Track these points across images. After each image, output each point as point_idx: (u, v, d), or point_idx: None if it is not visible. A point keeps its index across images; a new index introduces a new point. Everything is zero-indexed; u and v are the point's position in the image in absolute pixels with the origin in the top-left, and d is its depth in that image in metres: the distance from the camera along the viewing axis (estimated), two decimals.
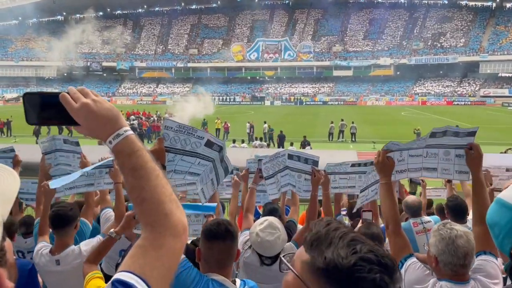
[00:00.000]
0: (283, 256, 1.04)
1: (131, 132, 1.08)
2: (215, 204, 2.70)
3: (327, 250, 0.91)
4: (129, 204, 2.92)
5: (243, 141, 23.85)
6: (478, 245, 2.06)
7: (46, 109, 1.08)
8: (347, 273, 0.87)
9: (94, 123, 1.06)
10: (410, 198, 4.44)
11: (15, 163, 3.93)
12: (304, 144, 21.76)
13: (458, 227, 2.06)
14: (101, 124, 1.06)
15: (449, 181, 5.27)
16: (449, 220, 4.05)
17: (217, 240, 2.14)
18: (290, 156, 3.61)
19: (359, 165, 3.96)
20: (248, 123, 27.13)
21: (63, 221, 2.91)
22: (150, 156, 1.08)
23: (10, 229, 3.34)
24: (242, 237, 3.06)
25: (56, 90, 1.04)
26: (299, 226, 4.04)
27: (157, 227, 1.01)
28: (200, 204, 2.94)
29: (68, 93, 1.06)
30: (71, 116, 1.06)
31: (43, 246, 3.03)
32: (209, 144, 2.62)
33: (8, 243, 0.92)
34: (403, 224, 4.21)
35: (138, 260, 0.97)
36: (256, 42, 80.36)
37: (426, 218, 4.31)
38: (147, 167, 1.04)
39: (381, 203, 2.47)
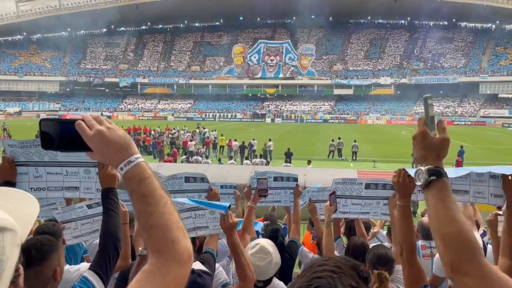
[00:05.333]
0: None
1: (142, 159, 1.12)
2: (227, 204, 2.65)
3: (297, 281, 0.94)
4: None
5: (246, 158, 23.88)
6: None
7: (61, 136, 1.12)
8: None
9: (107, 150, 1.10)
10: (425, 220, 4.41)
11: None
12: (289, 157, 21.95)
13: None
14: (113, 150, 1.10)
15: None
16: None
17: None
18: (367, 186, 3.46)
19: (376, 186, 3.45)
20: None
21: (47, 233, 2.76)
22: (159, 183, 1.11)
23: None
24: None
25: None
26: (303, 249, 3.95)
27: (164, 254, 1.04)
28: (212, 202, 2.84)
29: (83, 120, 1.11)
30: (86, 142, 1.10)
31: None
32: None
33: (21, 268, 0.96)
34: None
35: (145, 285, 1.00)
36: (257, 44, 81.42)
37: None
38: (155, 194, 1.08)
39: (396, 227, 2.28)
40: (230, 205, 2.60)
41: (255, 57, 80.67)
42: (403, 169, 2.11)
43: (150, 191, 1.07)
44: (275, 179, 3.97)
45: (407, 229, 2.04)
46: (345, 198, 3.49)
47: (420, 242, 4.20)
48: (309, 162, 18.98)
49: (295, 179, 4.04)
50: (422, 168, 1.31)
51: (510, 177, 2.11)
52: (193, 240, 3.10)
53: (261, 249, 2.73)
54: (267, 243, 2.82)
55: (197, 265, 2.29)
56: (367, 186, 3.41)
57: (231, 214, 2.38)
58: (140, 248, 2.57)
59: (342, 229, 4.89)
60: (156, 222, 1.05)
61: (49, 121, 1.13)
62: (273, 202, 4.27)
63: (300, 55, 78.61)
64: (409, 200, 2.08)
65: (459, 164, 19.97)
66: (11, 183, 2.20)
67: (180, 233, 1.07)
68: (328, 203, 3.47)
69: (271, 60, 79.68)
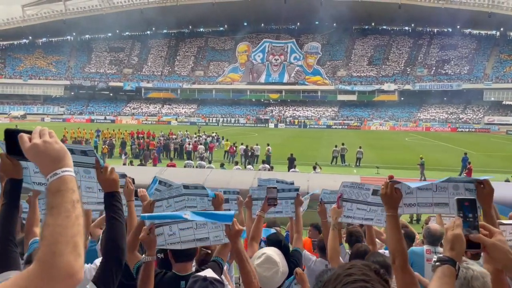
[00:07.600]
0: None
1: (69, 173, 1.16)
2: (232, 212, 2.62)
3: None
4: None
5: (249, 163, 23.89)
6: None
7: (13, 145, 1.33)
8: None
9: (40, 162, 1.19)
10: (433, 226, 4.44)
11: None
12: (292, 162, 21.86)
13: (475, 267, 1.98)
14: (45, 163, 1.18)
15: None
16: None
17: None
18: (375, 192, 3.36)
19: None
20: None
21: None
22: (76, 197, 1.13)
23: None
24: None
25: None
26: (305, 252, 3.97)
27: (40, 263, 1.01)
28: (216, 212, 2.83)
29: (30, 132, 1.23)
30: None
31: None
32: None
33: None
34: (416, 248, 4.35)
35: (16, 281, 1.01)
36: (262, 42, 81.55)
37: (440, 249, 4.28)
38: (61, 207, 1.08)
39: (387, 236, 2.34)
40: (234, 213, 2.60)
41: (259, 56, 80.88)
42: (390, 181, 2.19)
43: (58, 203, 1.09)
44: (278, 191, 3.89)
45: (397, 237, 2.12)
46: (351, 202, 3.42)
47: (425, 247, 4.25)
48: (315, 167, 18.92)
49: (296, 190, 4.10)
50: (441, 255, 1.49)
51: (481, 186, 2.17)
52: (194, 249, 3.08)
53: (267, 259, 2.69)
54: (273, 253, 2.77)
55: (210, 273, 2.27)
56: (374, 193, 3.33)
57: (236, 221, 2.38)
58: (143, 255, 2.55)
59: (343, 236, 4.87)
60: (48, 233, 1.04)
61: (8, 131, 1.37)
62: (274, 213, 4.24)
63: (306, 53, 78.78)
64: (396, 211, 2.16)
65: (470, 171, 19.86)
66: (18, 180, 2.01)
67: (68, 248, 1.03)
68: (335, 205, 3.42)
69: (276, 60, 79.79)
